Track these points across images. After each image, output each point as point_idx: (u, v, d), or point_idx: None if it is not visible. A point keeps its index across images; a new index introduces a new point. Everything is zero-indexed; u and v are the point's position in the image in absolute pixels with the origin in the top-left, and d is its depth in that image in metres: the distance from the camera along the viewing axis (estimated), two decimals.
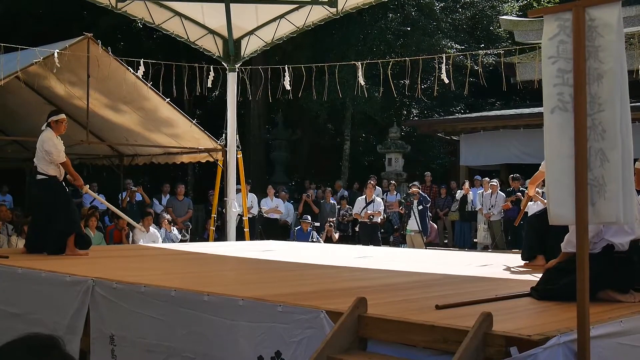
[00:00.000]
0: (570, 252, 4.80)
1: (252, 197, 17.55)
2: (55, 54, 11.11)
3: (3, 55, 10.85)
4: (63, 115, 8.82)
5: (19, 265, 6.91)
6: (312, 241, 15.41)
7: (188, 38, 13.45)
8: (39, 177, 8.50)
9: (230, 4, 12.31)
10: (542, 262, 7.72)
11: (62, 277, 6.25)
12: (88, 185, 9.39)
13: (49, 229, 8.44)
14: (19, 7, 24.32)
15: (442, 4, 28.22)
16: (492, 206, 17.40)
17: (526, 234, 8.30)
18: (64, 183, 8.69)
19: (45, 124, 8.65)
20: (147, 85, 12.66)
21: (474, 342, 3.58)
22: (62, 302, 6.09)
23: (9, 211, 13.57)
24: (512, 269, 7.57)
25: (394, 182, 20.05)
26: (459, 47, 26.27)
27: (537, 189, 15.84)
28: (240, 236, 13.85)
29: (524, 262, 7.91)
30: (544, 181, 7.83)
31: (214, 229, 14.80)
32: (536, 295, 4.93)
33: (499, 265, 7.99)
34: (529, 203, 16.02)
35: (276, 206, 18.14)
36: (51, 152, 8.40)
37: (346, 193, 19.88)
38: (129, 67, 12.48)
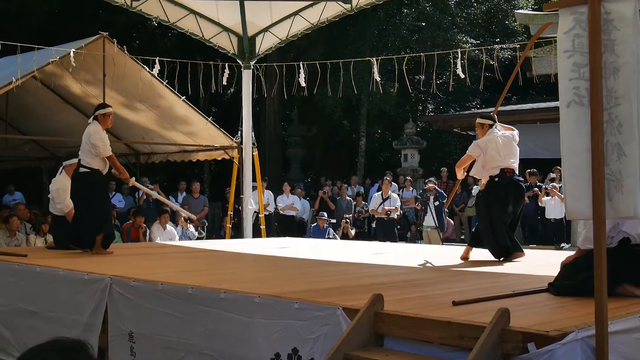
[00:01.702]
0: (587, 249, 4.76)
1: (268, 194, 17.57)
2: (71, 53, 11.17)
3: (20, 55, 10.92)
4: (110, 109, 8.82)
5: (37, 264, 6.96)
6: (329, 238, 15.40)
7: (203, 36, 13.47)
8: (81, 170, 8.51)
9: (245, 2, 12.32)
10: (467, 254, 7.84)
11: (80, 275, 6.28)
12: (134, 178, 9.38)
13: (82, 222, 8.47)
14: (34, 6, 24.43)
15: None
16: None
17: (481, 229, 8.23)
18: (107, 178, 8.74)
19: (92, 117, 8.67)
20: (162, 83, 12.70)
21: (491, 338, 3.57)
22: (80, 300, 6.13)
23: (27, 210, 13.65)
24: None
25: (410, 178, 20.00)
26: (474, 41, 26.20)
27: (554, 183, 15.78)
28: (256, 233, 13.86)
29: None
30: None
31: (231, 226, 14.83)
32: (553, 290, 4.91)
33: (516, 261, 7.96)
34: (545, 198, 16.04)
35: (292, 203, 18.15)
36: (97, 145, 8.41)
37: (362, 189, 19.87)
38: (145, 66, 12.52)
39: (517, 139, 7.99)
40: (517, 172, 7.94)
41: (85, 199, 8.50)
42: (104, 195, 8.78)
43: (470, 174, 8.35)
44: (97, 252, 8.39)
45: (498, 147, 7.79)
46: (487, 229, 7.82)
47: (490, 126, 8.00)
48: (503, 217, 7.73)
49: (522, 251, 7.83)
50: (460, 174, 8.36)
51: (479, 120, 8.23)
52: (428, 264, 7.62)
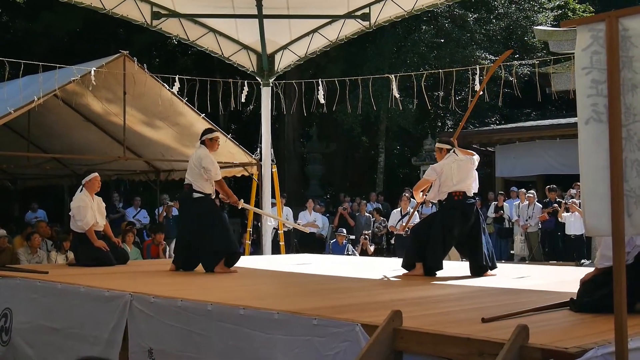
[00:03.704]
0: (605, 267, 4.73)
1: (287, 211, 17.58)
2: (92, 72, 11.27)
3: (41, 74, 11.03)
4: (217, 134, 8.97)
5: (59, 281, 7.01)
6: (348, 254, 15.38)
7: (222, 54, 13.57)
8: (196, 195, 8.52)
9: (264, 20, 12.41)
10: (420, 271, 7.83)
11: (100, 292, 6.32)
12: (242, 200, 9.47)
13: (206, 247, 8.42)
14: (57, 27, 24.72)
15: (475, 16, 28.09)
16: (529, 217, 17.26)
17: (409, 242, 8.46)
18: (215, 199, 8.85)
19: (199, 141, 8.76)
20: (182, 101, 12.78)
21: (510, 355, 3.56)
22: (101, 316, 6.16)
23: (48, 227, 13.75)
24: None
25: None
26: (493, 58, 26.15)
27: (574, 199, 15.72)
28: (275, 250, 13.88)
29: (405, 270, 8.08)
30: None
31: (250, 242, 14.86)
32: (573, 307, 4.89)
33: (537, 277, 7.94)
34: (565, 214, 15.97)
35: (314, 220, 18.12)
36: (210, 169, 8.49)
37: (380, 205, 19.85)
38: (164, 84, 12.60)
39: (476, 163, 8.14)
40: (470, 194, 8.02)
41: (206, 225, 8.45)
42: (223, 217, 8.85)
43: (427, 198, 8.54)
44: (221, 271, 8.35)
45: (452, 171, 7.98)
46: (419, 243, 7.95)
47: (448, 150, 8.18)
48: (442, 240, 7.90)
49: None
50: (419, 197, 8.56)
51: (437, 144, 8.49)
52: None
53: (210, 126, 9.18)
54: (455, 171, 7.96)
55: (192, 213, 8.63)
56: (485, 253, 7.94)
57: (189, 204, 8.71)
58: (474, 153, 8.30)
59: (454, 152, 8.16)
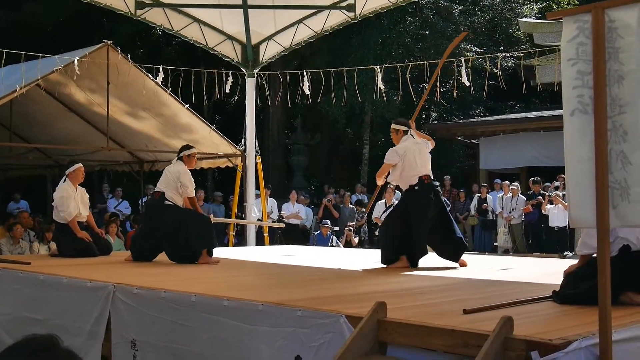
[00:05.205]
0: (586, 254, 4.78)
1: (272, 202, 17.58)
2: (75, 62, 11.18)
3: (24, 63, 10.94)
4: (194, 150, 9.14)
5: (41, 272, 6.97)
6: (332, 246, 15.38)
7: (207, 44, 13.50)
8: (167, 203, 8.71)
9: (249, 10, 12.35)
10: (405, 262, 7.74)
11: (83, 283, 6.29)
12: (212, 215, 9.96)
13: (184, 246, 8.48)
14: (40, 16, 24.53)
15: (460, 7, 28.12)
16: (512, 209, 17.32)
17: (383, 240, 8.23)
18: None
19: (177, 157, 8.95)
20: (166, 91, 12.72)
21: (494, 347, 3.56)
22: (84, 307, 6.12)
23: (30, 218, 13.66)
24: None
25: None
26: (478, 50, 26.20)
27: (557, 191, 15.79)
28: (260, 241, 13.86)
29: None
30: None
31: (234, 234, 14.82)
32: (557, 299, 4.90)
33: (520, 269, 7.96)
34: (549, 207, 16.04)
35: (297, 212, 18.13)
36: (187, 185, 8.71)
37: (362, 197, 19.87)
38: (149, 74, 12.53)
39: (430, 148, 8.09)
40: (432, 176, 7.96)
41: (179, 226, 8.53)
42: (197, 215, 8.93)
43: (389, 180, 8.33)
44: (204, 262, 8.40)
45: (415, 154, 7.86)
46: (402, 235, 7.80)
47: (405, 132, 8.04)
48: (425, 228, 7.80)
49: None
50: (381, 182, 8.37)
51: (393, 125, 8.30)
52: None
53: (188, 143, 9.49)
54: (417, 154, 7.87)
55: (164, 217, 8.72)
56: (460, 235, 7.92)
57: (159, 209, 8.83)
58: (430, 138, 8.21)
59: (410, 134, 8.06)
